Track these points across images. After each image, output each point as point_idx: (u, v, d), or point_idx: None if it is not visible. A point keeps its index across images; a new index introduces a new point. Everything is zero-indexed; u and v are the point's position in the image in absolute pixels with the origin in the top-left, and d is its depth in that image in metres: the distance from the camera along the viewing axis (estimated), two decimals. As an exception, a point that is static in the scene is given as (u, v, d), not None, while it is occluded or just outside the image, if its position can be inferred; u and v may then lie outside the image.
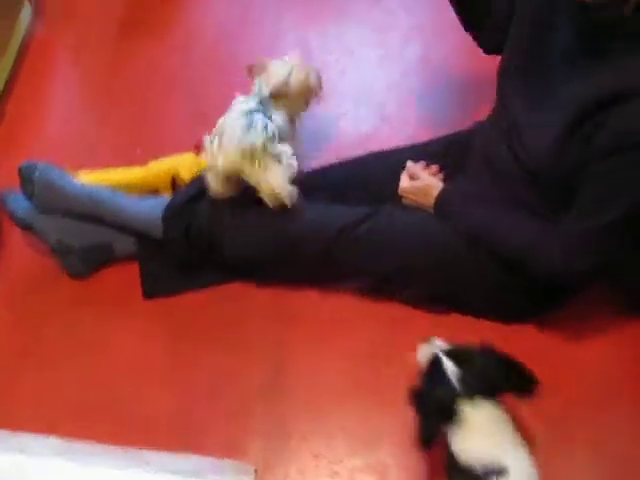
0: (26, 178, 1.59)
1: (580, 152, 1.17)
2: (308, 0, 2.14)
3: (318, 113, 1.79)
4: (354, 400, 1.48)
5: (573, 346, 1.50)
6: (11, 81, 2.09)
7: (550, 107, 1.22)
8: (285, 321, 1.58)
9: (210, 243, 1.54)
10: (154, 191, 1.74)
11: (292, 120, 1.64)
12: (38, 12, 2.30)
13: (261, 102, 1.54)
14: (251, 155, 1.46)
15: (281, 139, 1.52)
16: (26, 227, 1.61)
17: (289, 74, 1.60)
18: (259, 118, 1.49)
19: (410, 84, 2.03)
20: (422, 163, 1.54)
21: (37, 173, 1.58)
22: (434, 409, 1.18)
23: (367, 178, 1.61)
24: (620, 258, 1.31)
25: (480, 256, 1.40)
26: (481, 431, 1.15)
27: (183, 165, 1.73)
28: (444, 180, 1.50)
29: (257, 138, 1.46)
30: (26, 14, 2.25)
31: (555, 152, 1.21)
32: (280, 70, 1.61)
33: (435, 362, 1.20)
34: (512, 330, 1.50)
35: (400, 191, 1.51)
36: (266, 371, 1.52)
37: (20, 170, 1.61)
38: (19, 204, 1.61)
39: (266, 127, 1.48)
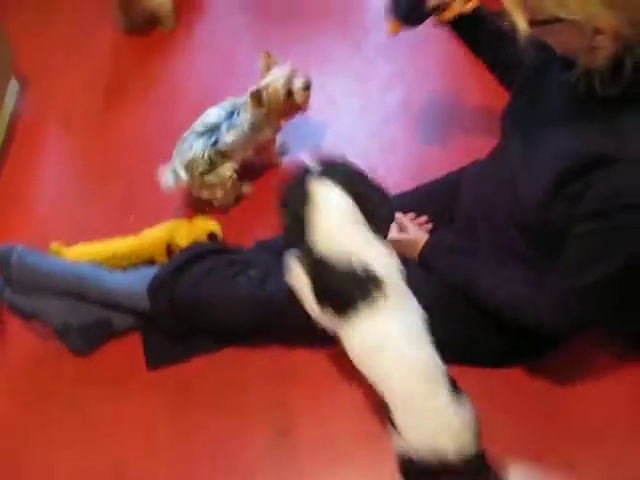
0: (4, 262, 1.57)
1: (567, 208, 1.16)
2: (291, 50, 2.17)
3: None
4: (365, 451, 1.47)
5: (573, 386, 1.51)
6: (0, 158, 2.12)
7: (542, 159, 1.21)
8: (284, 380, 1.58)
9: (193, 315, 1.54)
10: (150, 259, 1.75)
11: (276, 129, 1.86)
12: (24, 88, 2.34)
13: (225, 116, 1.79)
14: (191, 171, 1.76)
15: (226, 157, 1.79)
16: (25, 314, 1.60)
17: (266, 83, 1.75)
18: (200, 141, 1.77)
19: (392, 131, 2.06)
20: (411, 214, 1.56)
21: (14, 257, 1.56)
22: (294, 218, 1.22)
23: None
24: (606, 315, 1.30)
25: (465, 308, 1.40)
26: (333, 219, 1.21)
27: (177, 232, 1.74)
28: (432, 230, 1.52)
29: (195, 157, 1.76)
30: (13, 91, 2.29)
31: (543, 204, 1.20)
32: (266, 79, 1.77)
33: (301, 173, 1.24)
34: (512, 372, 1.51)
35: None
36: (270, 432, 1.51)
37: None
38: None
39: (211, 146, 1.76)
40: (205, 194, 1.85)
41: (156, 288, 1.53)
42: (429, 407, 1.17)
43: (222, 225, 1.77)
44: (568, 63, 1.13)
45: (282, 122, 1.89)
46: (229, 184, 1.84)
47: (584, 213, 1.13)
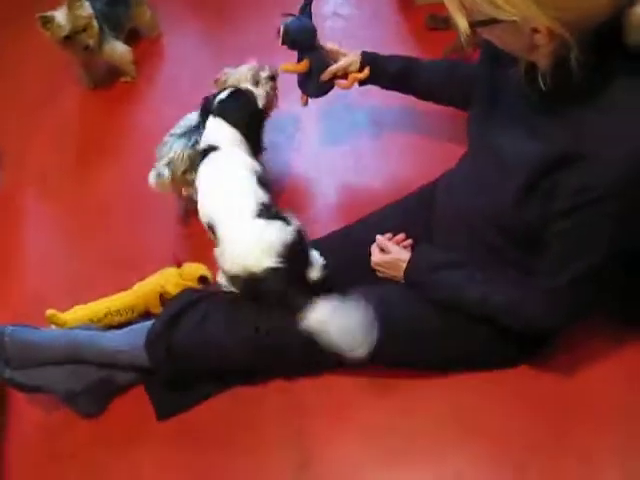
0: None
1: (541, 208, 1.19)
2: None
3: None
4: (391, 474, 1.48)
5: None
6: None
7: (508, 164, 1.24)
8: (299, 411, 1.59)
9: (193, 361, 1.56)
10: (146, 312, 1.77)
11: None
12: (-1, 160, 2.36)
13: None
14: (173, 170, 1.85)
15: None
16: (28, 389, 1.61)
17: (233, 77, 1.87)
18: (180, 142, 1.87)
19: (362, 148, 2.09)
20: (389, 235, 1.57)
21: (7, 338, 1.57)
22: None
23: (335, 259, 1.61)
24: (598, 300, 1.33)
25: (460, 319, 1.43)
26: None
27: (168, 281, 1.76)
28: (413, 246, 1.54)
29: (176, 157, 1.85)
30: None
31: (517, 207, 1.22)
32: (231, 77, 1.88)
33: None
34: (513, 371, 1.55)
35: (373, 265, 1.55)
36: (291, 466, 1.52)
37: None
38: None
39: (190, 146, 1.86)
40: (189, 190, 1.91)
41: (153, 341, 1.54)
42: (239, 231, 1.52)
43: (212, 268, 1.79)
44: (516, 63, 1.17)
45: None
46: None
47: (557, 212, 1.16)
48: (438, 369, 1.56)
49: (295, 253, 1.49)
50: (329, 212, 1.97)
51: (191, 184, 1.86)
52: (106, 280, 1.89)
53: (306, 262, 1.54)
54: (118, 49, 2.45)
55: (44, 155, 2.36)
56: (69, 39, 2.27)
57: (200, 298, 1.60)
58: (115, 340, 1.60)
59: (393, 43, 2.36)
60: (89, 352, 1.58)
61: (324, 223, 1.88)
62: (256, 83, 1.85)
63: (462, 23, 1.06)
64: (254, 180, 1.61)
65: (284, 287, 1.45)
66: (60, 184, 2.26)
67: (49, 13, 2.23)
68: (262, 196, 1.58)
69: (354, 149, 2.11)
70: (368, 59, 1.72)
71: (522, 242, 1.30)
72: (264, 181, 1.64)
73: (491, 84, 1.33)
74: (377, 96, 1.89)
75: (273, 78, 1.90)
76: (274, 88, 1.91)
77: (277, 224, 1.51)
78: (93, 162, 2.30)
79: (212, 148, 1.68)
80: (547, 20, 1.01)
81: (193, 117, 1.91)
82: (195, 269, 1.78)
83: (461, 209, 1.44)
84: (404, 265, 1.48)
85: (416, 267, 1.47)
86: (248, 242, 1.50)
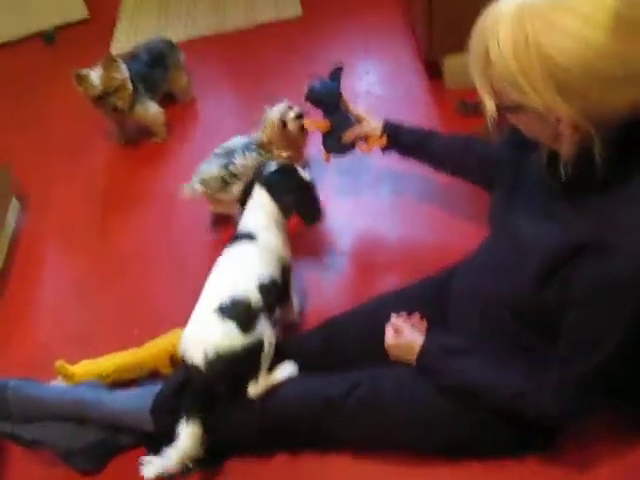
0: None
1: (558, 294, 1.17)
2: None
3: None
4: None
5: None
6: (1, 279, 2.14)
7: (527, 249, 1.22)
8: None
9: None
10: (154, 371, 1.75)
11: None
12: (24, 204, 2.39)
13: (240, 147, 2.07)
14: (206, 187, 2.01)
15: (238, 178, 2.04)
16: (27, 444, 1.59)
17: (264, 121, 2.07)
18: (217, 162, 2.04)
19: (384, 225, 2.09)
20: (403, 314, 1.54)
21: (10, 392, 1.55)
22: None
23: (349, 337, 1.60)
24: (609, 396, 1.28)
25: (469, 408, 1.39)
26: None
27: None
28: (427, 329, 1.50)
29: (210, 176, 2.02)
30: (14, 210, 2.35)
31: (533, 293, 1.20)
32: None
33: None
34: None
35: (386, 347, 1.51)
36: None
37: None
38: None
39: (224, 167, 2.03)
40: (219, 208, 2.10)
41: (159, 408, 1.51)
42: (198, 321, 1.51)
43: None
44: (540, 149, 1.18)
45: (292, 152, 2.12)
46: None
47: (574, 300, 1.14)
48: (443, 454, 1.50)
49: (232, 363, 1.43)
50: (341, 268, 1.99)
51: (222, 203, 2.05)
52: (117, 336, 1.88)
53: (246, 376, 1.47)
54: (151, 110, 2.50)
55: (68, 204, 2.40)
56: (101, 99, 2.33)
57: None
58: (121, 401, 1.57)
59: (420, 123, 2.28)
60: (94, 411, 1.56)
61: (334, 279, 1.94)
62: (283, 124, 2.03)
63: (490, 106, 1.08)
64: (257, 281, 1.54)
65: (205, 387, 1.46)
66: (81, 235, 2.28)
67: (85, 71, 2.29)
68: (251, 294, 1.51)
69: (376, 225, 2.11)
70: (389, 128, 1.78)
71: (538, 328, 1.27)
72: (273, 285, 1.59)
73: (514, 168, 1.34)
74: (400, 162, 1.93)
75: (301, 116, 2.03)
76: (301, 126, 2.03)
77: (228, 326, 1.44)
78: (116, 217, 2.32)
79: (246, 236, 1.64)
80: (570, 111, 1.01)
81: (238, 140, 2.09)
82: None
83: (477, 290, 1.42)
84: (417, 349, 1.44)
85: (429, 353, 1.42)
86: (192, 329, 1.51)
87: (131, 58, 2.50)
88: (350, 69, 2.39)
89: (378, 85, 2.63)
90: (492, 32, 1.02)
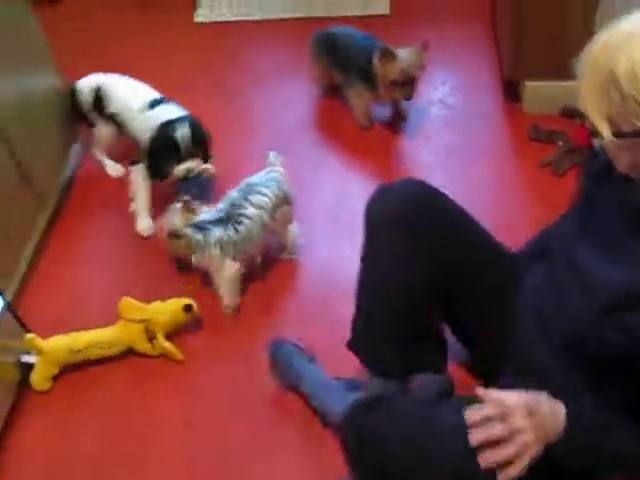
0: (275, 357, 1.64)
1: (620, 338, 1.06)
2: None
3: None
4: None
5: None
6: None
7: (597, 285, 1.13)
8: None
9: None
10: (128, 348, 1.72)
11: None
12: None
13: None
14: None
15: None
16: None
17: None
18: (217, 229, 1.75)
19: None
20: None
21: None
22: None
23: None
24: None
25: None
26: None
27: (152, 310, 1.72)
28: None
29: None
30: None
31: (594, 332, 1.10)
32: None
33: None
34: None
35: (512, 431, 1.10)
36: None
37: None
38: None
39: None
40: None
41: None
42: None
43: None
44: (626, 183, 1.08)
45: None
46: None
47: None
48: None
49: None
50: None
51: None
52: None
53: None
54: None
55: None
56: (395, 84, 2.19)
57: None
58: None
59: (489, 142, 2.29)
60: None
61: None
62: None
63: (605, 132, 0.99)
64: None
65: None
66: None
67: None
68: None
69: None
70: None
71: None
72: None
73: (589, 203, 1.23)
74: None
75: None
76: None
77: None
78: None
79: None
80: None
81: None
82: (179, 299, 1.73)
83: (546, 332, 1.25)
84: (560, 419, 1.11)
85: (577, 423, 1.12)
86: None
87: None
88: (427, 77, 2.32)
89: (452, 97, 2.51)
90: (623, 52, 0.95)
